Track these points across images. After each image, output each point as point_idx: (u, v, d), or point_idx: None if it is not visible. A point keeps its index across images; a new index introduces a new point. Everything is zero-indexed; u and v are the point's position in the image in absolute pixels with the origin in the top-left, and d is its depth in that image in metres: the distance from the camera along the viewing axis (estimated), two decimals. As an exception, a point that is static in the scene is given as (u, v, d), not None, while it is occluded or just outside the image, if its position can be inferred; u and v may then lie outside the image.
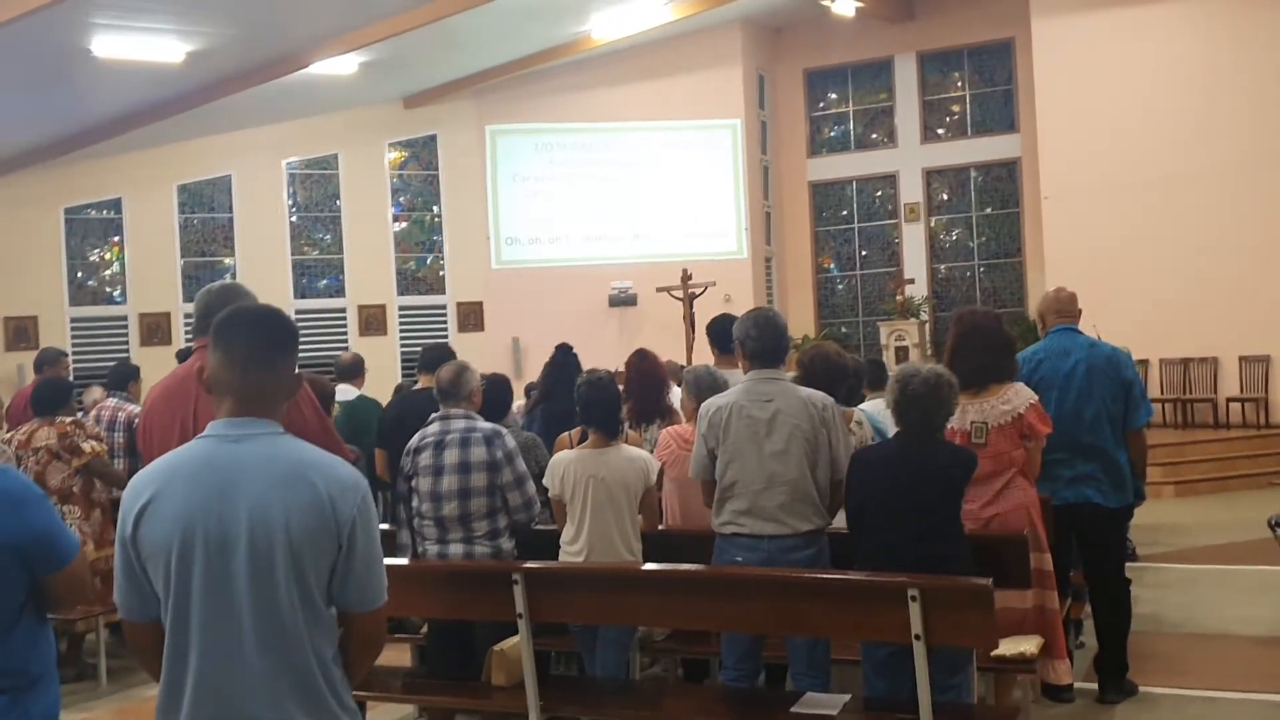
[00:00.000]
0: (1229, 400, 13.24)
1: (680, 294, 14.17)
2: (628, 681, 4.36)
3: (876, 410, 5.09)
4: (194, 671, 2.07)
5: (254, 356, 2.16)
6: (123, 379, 7.64)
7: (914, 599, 3.43)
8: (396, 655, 5.48)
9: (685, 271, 14.42)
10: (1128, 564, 7.01)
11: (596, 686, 4.32)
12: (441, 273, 16.50)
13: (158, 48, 11.28)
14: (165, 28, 10.90)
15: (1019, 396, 4.51)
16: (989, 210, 16.45)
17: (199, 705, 2.06)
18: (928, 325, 15.18)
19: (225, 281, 3.43)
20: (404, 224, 16.49)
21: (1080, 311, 5.29)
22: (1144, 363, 13.14)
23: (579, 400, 4.47)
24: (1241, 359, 13.19)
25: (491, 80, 15.81)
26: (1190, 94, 13.47)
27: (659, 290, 14.20)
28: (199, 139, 14.61)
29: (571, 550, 4.33)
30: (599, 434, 4.40)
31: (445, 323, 16.26)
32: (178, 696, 2.08)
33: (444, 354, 5.52)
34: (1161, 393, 13.50)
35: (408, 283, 16.35)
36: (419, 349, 6.89)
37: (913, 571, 3.55)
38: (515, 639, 4.08)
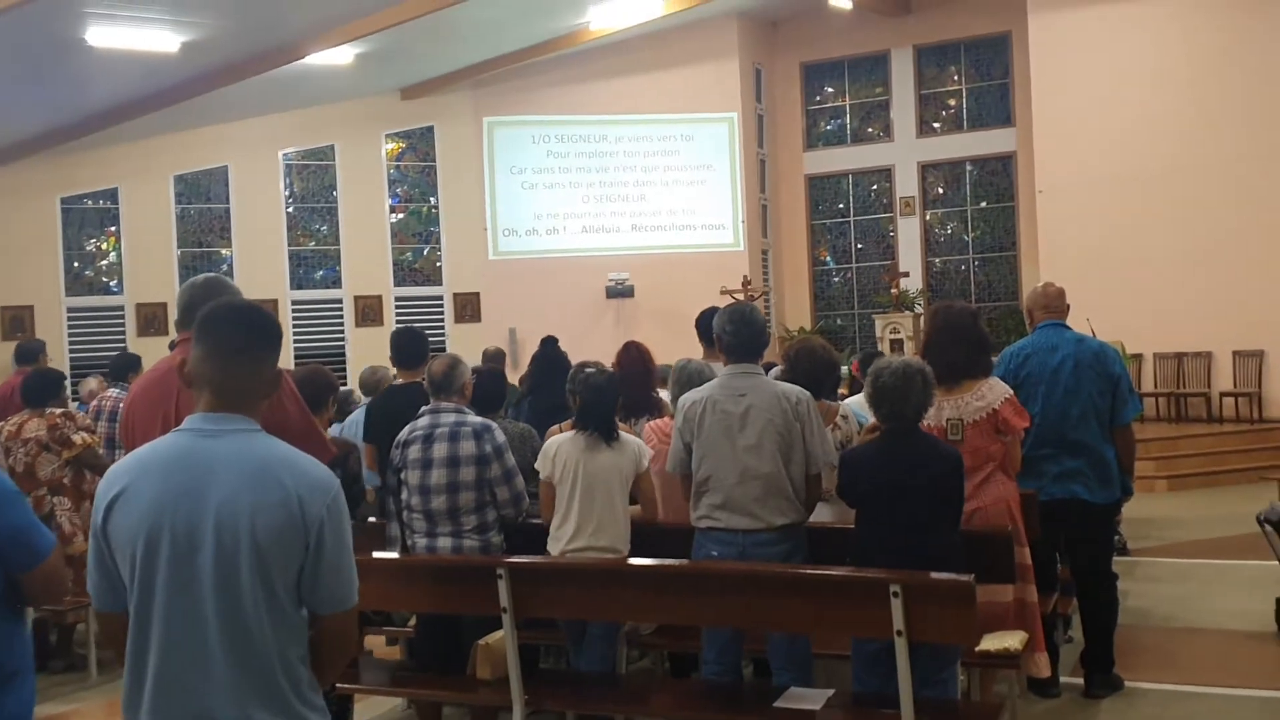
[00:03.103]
0: (1222, 395, 13.26)
1: (742, 298, 14.18)
2: (612, 675, 4.38)
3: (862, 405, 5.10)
4: (154, 666, 2.07)
5: (235, 352, 2.17)
6: (123, 369, 7.68)
7: (896, 595, 3.44)
8: (386, 648, 5.51)
9: (745, 278, 14.61)
10: (1119, 558, 7.07)
11: (581, 680, 4.34)
12: (438, 264, 16.49)
13: (152, 38, 11.26)
14: (159, 18, 10.89)
15: (993, 392, 4.51)
16: (984, 204, 16.43)
17: (159, 700, 2.07)
18: (922, 318, 15.17)
19: (209, 275, 3.43)
20: (401, 215, 16.47)
21: (1068, 307, 5.29)
22: (1138, 357, 13.16)
23: (578, 401, 4.47)
24: (1235, 354, 13.20)
25: (489, 72, 15.78)
26: (1184, 89, 13.45)
27: (722, 293, 14.18)
28: (195, 129, 14.58)
29: (560, 535, 4.33)
30: (595, 436, 4.39)
31: (441, 313, 16.26)
32: (139, 690, 2.09)
33: (418, 347, 5.47)
34: (1155, 387, 13.52)
35: (404, 273, 16.34)
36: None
37: (902, 567, 3.56)
38: (502, 632, 4.09)
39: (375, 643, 5.32)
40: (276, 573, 2.07)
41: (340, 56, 13.34)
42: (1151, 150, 13.52)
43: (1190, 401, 13.42)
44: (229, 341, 2.17)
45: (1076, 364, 5.00)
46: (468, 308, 16.39)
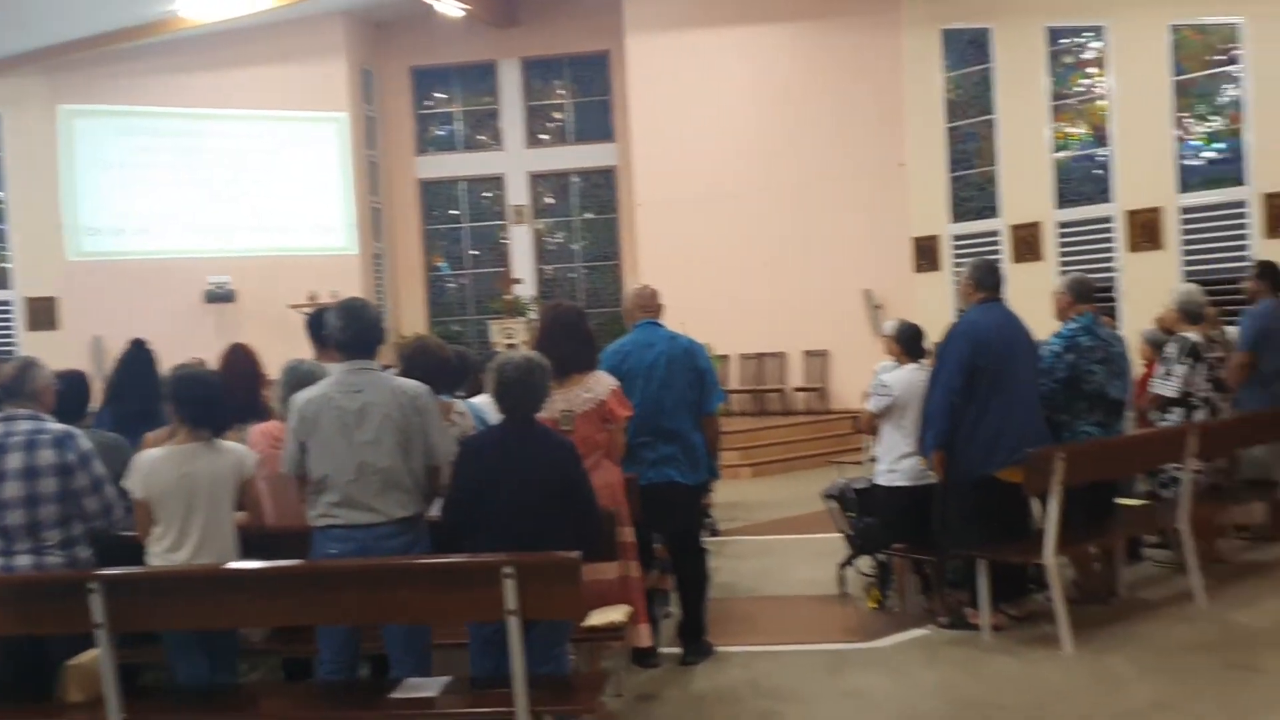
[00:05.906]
0: (795, 390, 14.81)
1: (311, 311, 13.69)
2: (219, 684, 4.20)
3: (483, 402, 5.22)
4: None
5: None
6: None
7: (508, 576, 3.59)
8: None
9: (311, 294, 14.17)
10: (711, 538, 7.72)
11: (185, 694, 4.13)
12: (6, 265, 14.81)
13: None
14: None
15: (600, 384, 4.83)
16: (590, 215, 17.27)
17: None
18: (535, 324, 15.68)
19: None
20: (-42, 210, 14.65)
21: (661, 306, 5.73)
22: (725, 357, 14.38)
23: (172, 396, 4.20)
24: (805, 354, 14.79)
25: (65, 57, 14.41)
26: (762, 113, 14.90)
27: (290, 307, 13.60)
28: None
29: (161, 550, 4.07)
30: (195, 432, 4.15)
31: (11, 320, 14.60)
32: None
33: None
34: (740, 384, 14.85)
35: (-36, 276, 14.55)
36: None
37: (521, 550, 3.69)
38: (94, 652, 3.81)
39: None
40: None
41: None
42: (733, 168, 14.85)
43: (769, 397, 14.87)
44: None
45: (669, 359, 5.44)
46: (43, 314, 14.85)
